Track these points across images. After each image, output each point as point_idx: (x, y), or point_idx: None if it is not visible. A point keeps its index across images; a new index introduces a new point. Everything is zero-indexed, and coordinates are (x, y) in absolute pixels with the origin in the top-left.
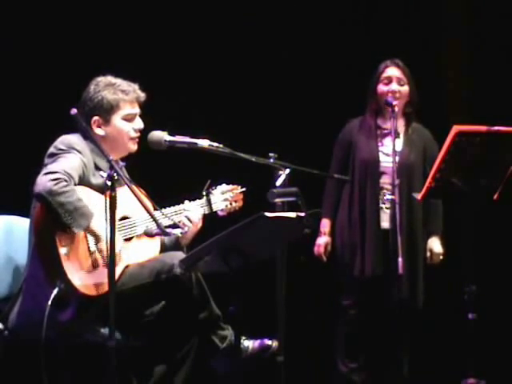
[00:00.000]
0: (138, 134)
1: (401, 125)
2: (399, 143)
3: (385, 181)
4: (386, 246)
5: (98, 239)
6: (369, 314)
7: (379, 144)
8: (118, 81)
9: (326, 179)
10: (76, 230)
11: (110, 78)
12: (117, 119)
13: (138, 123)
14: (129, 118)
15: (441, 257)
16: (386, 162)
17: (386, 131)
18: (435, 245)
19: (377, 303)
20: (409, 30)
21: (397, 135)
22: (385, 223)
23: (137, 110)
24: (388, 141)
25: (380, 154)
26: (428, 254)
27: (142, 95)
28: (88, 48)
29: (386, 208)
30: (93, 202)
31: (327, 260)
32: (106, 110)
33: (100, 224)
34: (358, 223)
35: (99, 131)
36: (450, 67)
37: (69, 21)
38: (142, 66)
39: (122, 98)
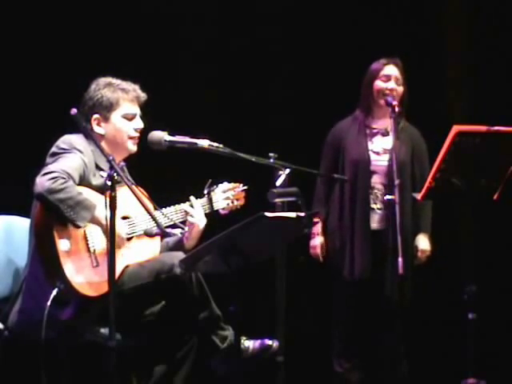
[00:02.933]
0: (138, 134)
1: (389, 123)
2: (389, 142)
3: (376, 180)
4: (376, 247)
5: (98, 235)
6: (364, 314)
7: (369, 143)
8: (119, 81)
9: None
10: (80, 224)
11: (110, 78)
12: (116, 117)
13: (138, 123)
14: (128, 117)
15: (427, 254)
16: (377, 161)
17: (375, 130)
18: (422, 242)
19: (371, 303)
20: (409, 29)
21: (386, 133)
22: (375, 224)
23: (137, 109)
24: (377, 139)
25: (370, 153)
26: (415, 251)
27: (143, 95)
28: (88, 48)
29: (378, 209)
30: None
31: (324, 260)
32: (106, 108)
33: (102, 218)
34: (349, 224)
35: (99, 130)
36: (450, 67)
37: (69, 21)
38: (143, 65)
39: (121, 96)
